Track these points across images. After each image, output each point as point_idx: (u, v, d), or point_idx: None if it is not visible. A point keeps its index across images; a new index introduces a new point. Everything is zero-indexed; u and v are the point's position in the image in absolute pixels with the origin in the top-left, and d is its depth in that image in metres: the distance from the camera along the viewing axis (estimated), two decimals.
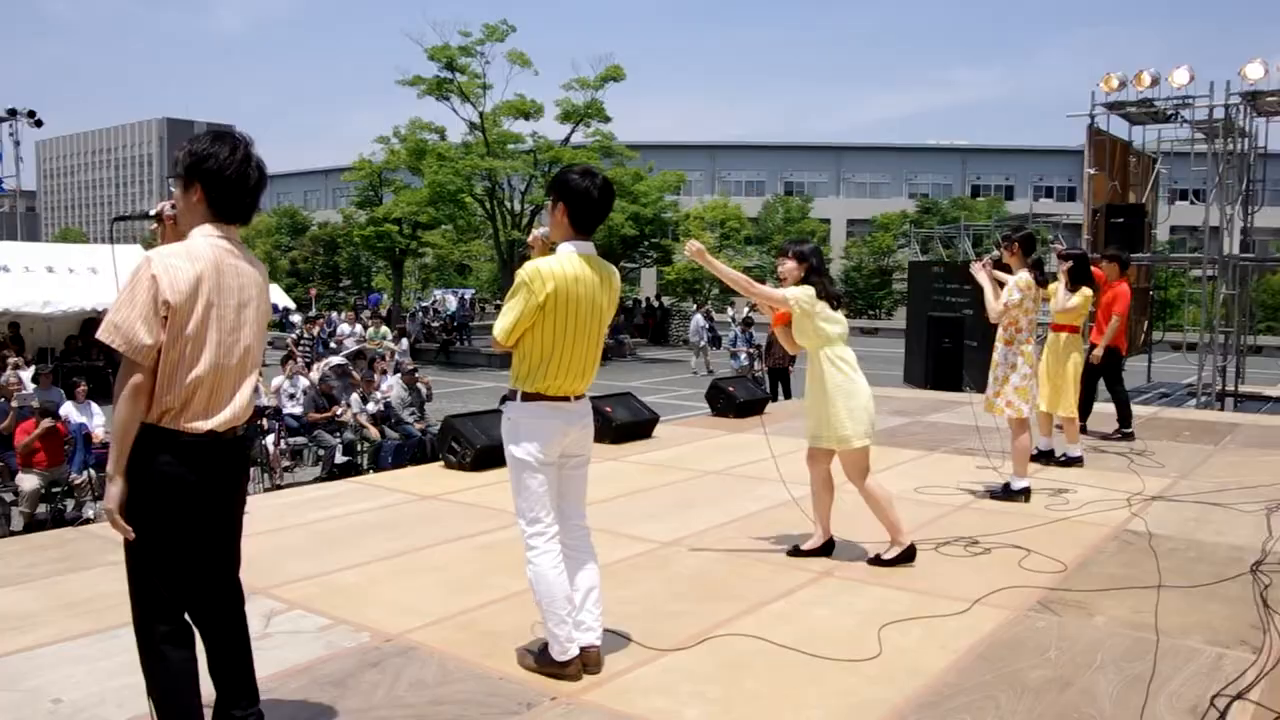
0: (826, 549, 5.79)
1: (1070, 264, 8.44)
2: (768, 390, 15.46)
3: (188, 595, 3.15)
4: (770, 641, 4.42)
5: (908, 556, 5.60)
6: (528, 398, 3.92)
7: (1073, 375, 8.44)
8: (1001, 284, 7.09)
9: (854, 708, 3.78)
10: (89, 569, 5.73)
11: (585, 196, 3.94)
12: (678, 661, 4.23)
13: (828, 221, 59.56)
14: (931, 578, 5.40)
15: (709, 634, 4.53)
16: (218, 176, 3.05)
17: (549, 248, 4.07)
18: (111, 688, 3.93)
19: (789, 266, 5.53)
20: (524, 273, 3.86)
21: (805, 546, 5.82)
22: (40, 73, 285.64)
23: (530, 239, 4.21)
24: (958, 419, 11.33)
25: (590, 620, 4.05)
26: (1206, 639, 4.45)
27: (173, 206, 3.20)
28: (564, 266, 3.87)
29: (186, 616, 3.17)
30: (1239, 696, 3.78)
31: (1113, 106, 15.82)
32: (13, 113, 24.67)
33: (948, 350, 15.82)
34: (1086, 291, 8.43)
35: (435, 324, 33.25)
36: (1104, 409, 10.59)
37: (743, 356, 19.80)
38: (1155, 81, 14.98)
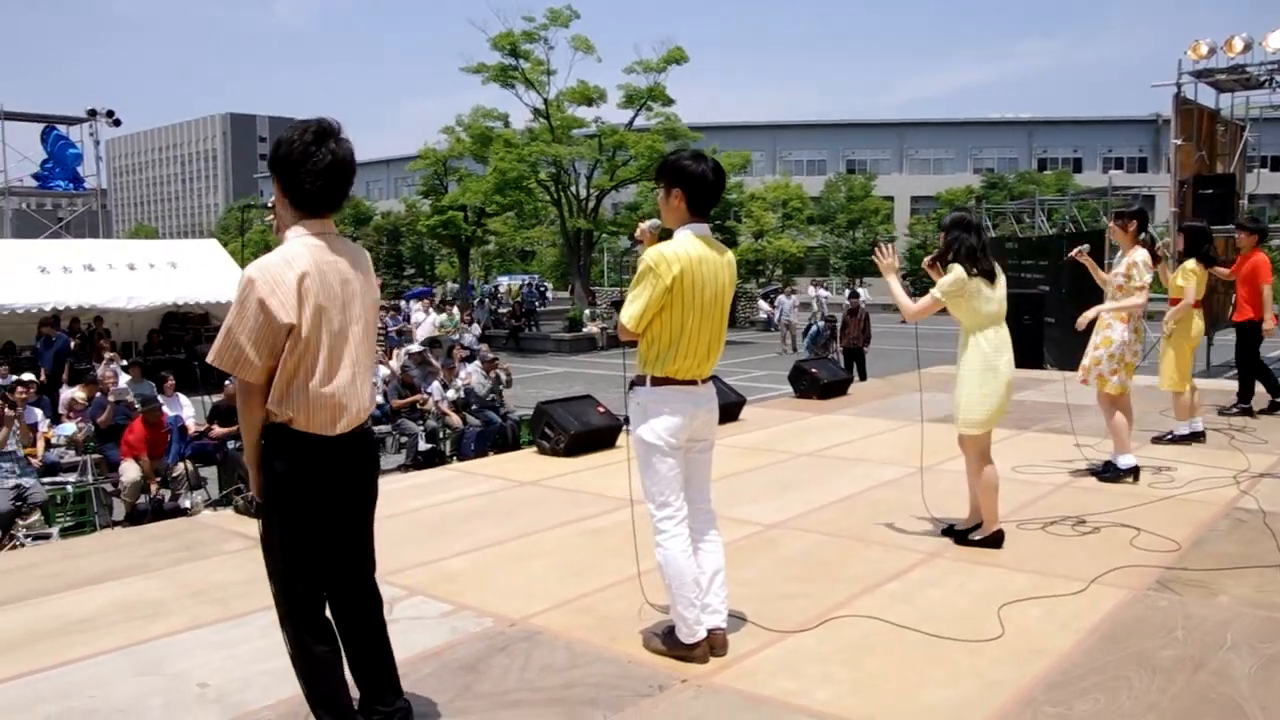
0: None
1: (1182, 236, 8.02)
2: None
3: (324, 590, 3.21)
4: (890, 622, 4.43)
5: (995, 542, 5.55)
6: (657, 382, 3.96)
7: (1177, 351, 8.24)
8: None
9: (983, 688, 3.78)
10: (208, 558, 5.91)
11: (702, 180, 3.97)
12: (800, 643, 4.26)
13: (891, 199, 58.86)
14: (1043, 557, 5.37)
15: (827, 615, 4.55)
16: (286, 163, 3.02)
17: (658, 236, 4.10)
18: (253, 673, 4.06)
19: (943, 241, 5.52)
20: (649, 258, 3.89)
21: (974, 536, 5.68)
22: (108, 72, 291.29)
23: (638, 233, 4.21)
24: (1045, 396, 11.19)
25: (716, 603, 4.09)
26: None
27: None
28: (687, 249, 3.91)
29: (327, 613, 3.24)
30: None
31: (1201, 75, 15.39)
32: (92, 113, 25.26)
33: (1028, 327, 15.56)
34: (1187, 265, 8.23)
35: (504, 310, 33.46)
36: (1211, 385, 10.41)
37: (817, 338, 19.54)
38: (1248, 47, 14.55)
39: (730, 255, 4.15)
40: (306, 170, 3.00)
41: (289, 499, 3.08)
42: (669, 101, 33.29)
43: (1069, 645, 4.16)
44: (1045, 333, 15.97)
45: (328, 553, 3.16)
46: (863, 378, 16.51)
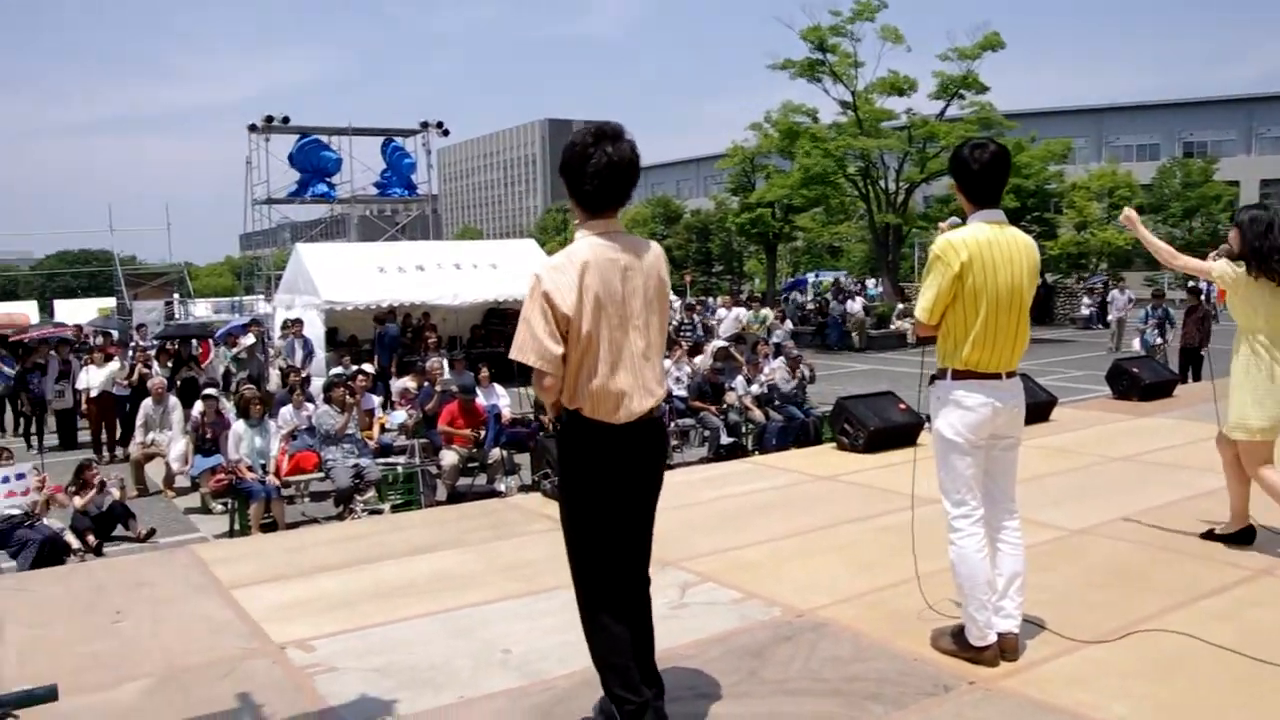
0: (1244, 536, 5.41)
1: None
2: (1175, 370, 14.23)
3: (616, 570, 3.34)
4: (1205, 641, 4.13)
5: None
6: (958, 375, 3.88)
7: None
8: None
9: None
10: (517, 536, 6.33)
11: (964, 168, 3.91)
12: (1098, 654, 4.06)
13: (1236, 184, 53.79)
14: None
15: (1132, 628, 4.30)
16: (569, 167, 3.19)
17: None
18: (552, 644, 4.33)
19: (1232, 235, 5.18)
20: (936, 247, 3.86)
21: (1219, 530, 5.53)
22: (436, 86, 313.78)
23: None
24: None
25: (1011, 608, 3.97)
26: None
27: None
28: (975, 234, 3.83)
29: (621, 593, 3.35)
30: None
31: None
32: (424, 125, 27.73)
33: None
34: None
35: (810, 306, 33.37)
36: None
37: (1151, 334, 18.21)
38: None
39: (1030, 241, 4.00)
40: (585, 172, 3.15)
41: (581, 479, 3.26)
42: (983, 89, 32.07)
43: None
44: None
45: (616, 534, 3.30)
46: (1197, 379, 15.25)
